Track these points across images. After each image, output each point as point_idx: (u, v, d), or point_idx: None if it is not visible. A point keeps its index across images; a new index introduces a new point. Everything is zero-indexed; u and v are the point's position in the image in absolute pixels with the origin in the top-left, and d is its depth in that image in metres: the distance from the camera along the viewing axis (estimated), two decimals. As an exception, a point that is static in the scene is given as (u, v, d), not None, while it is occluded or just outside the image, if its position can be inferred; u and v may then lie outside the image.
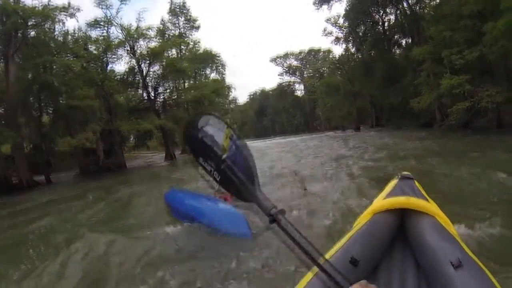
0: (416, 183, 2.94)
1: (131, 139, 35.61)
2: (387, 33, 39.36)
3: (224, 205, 5.20)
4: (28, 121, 23.74)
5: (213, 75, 55.12)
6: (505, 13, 14.27)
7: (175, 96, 36.01)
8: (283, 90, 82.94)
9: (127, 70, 32.08)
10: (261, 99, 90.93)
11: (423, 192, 2.74)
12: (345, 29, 46.01)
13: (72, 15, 23.13)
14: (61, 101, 23.32)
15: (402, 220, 2.25)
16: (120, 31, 29.94)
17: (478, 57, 17.44)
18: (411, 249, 2.09)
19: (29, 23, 20.66)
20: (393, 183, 2.89)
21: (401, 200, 2.23)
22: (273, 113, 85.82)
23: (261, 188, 1.07)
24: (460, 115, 19.39)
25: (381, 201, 2.38)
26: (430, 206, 2.25)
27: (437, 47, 21.03)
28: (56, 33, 25.19)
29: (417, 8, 33.03)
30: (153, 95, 33.23)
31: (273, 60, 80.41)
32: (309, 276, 1.53)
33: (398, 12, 36.89)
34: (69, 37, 26.78)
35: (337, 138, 30.67)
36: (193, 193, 6.76)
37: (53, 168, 23.77)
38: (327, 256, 1.57)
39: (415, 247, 2.04)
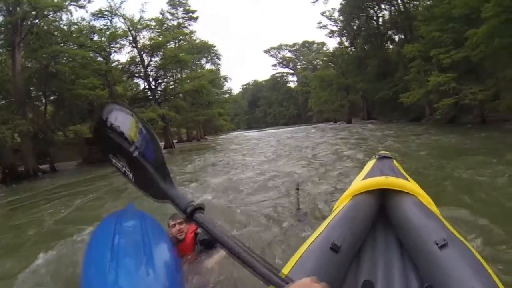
0: (395, 162, 2.98)
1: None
2: (381, 28, 39.99)
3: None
4: (31, 110, 23.81)
5: (208, 66, 55.85)
6: (485, 22, 15.44)
7: (173, 86, 36.74)
8: (276, 81, 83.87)
9: (128, 59, 32.91)
10: (253, 90, 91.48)
11: (403, 171, 2.75)
12: (340, 23, 46.83)
13: (82, 6, 23.83)
14: (67, 91, 23.45)
15: (382, 201, 2.21)
16: (123, 22, 30.74)
17: (463, 57, 18.45)
18: (393, 229, 2.06)
19: (35, 12, 20.73)
20: (371, 163, 2.96)
21: (380, 180, 2.21)
22: (265, 104, 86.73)
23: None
24: (446, 111, 20.49)
25: (360, 182, 2.36)
26: (411, 185, 2.23)
27: (427, 46, 22.04)
28: (63, 22, 25.67)
29: (411, 6, 33.46)
30: (153, 84, 34.09)
31: (267, 51, 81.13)
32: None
33: (392, 8, 37.40)
34: (74, 27, 27.16)
35: (332, 130, 30.95)
36: (144, 226, 3.07)
37: (52, 157, 23.94)
38: (307, 243, 1.75)
39: (397, 227, 2.00)
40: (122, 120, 1.01)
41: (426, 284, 1.48)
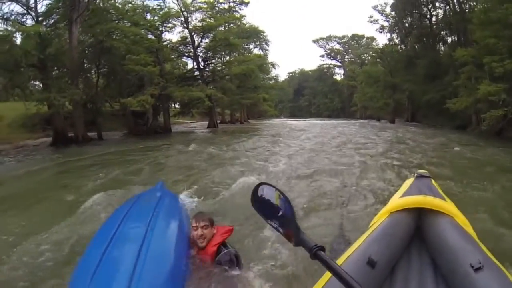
0: (433, 181, 2.94)
1: (173, 105, 37.73)
2: (434, 28, 38.47)
3: None
4: (83, 81, 25.46)
5: (256, 50, 56.00)
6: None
7: (220, 68, 37.07)
8: (322, 72, 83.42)
9: (179, 39, 33.65)
10: (299, 79, 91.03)
11: (440, 191, 2.72)
12: (391, 19, 45.76)
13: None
14: (119, 65, 24.47)
15: (419, 220, 2.22)
16: (176, 2, 31.46)
17: (517, 68, 17.42)
18: (428, 249, 2.07)
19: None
20: (409, 181, 2.91)
21: (418, 199, 2.22)
22: (310, 94, 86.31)
23: None
24: (493, 122, 19.62)
25: (398, 200, 2.38)
26: (448, 206, 2.22)
27: (480, 51, 20.97)
28: (118, 1, 26.86)
29: (467, 6, 31.64)
30: (202, 65, 34.77)
31: (316, 41, 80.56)
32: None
33: (447, 7, 35.56)
34: (129, 5, 27.99)
35: (376, 128, 30.14)
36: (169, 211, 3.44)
37: (98, 127, 24.90)
38: (344, 257, 1.79)
39: (432, 247, 2.01)
40: (270, 193, 1.35)
41: None
